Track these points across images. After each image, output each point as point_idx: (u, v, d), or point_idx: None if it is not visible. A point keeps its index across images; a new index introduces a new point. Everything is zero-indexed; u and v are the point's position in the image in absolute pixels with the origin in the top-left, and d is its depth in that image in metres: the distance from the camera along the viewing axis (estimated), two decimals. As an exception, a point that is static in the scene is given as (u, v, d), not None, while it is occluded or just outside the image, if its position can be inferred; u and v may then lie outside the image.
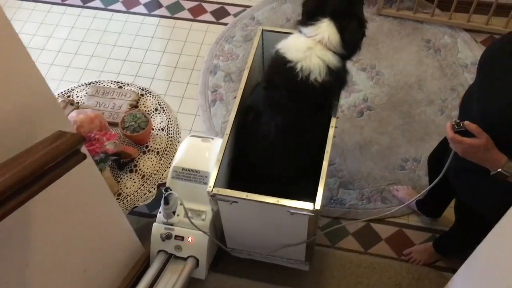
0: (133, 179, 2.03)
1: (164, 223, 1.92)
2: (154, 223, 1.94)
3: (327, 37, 1.71)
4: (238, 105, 1.88)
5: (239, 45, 3.12)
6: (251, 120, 1.84)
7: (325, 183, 1.70)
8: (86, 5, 3.37)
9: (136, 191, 2.01)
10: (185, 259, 1.94)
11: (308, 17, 1.78)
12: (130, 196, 1.99)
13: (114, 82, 2.32)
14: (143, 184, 2.02)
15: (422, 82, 2.91)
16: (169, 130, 2.18)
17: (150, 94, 2.28)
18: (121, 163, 2.04)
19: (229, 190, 1.69)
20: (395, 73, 2.95)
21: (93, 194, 1.50)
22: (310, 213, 1.63)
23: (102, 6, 3.37)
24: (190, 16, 3.29)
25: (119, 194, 1.99)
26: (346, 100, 2.84)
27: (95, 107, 2.20)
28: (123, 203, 1.98)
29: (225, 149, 1.78)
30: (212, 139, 1.99)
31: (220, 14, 3.30)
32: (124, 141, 2.11)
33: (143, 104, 2.25)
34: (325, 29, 1.72)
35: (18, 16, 3.33)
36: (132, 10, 3.33)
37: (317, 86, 1.71)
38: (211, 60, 3.06)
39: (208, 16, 3.29)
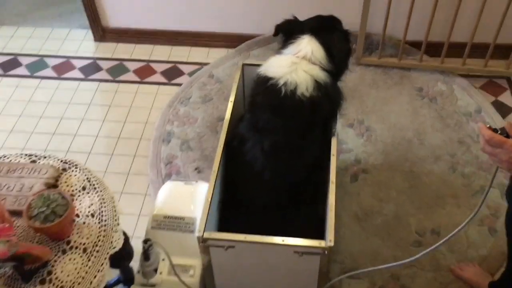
0: (46, 295, 1.34)
1: (144, 285, 1.61)
2: (132, 287, 1.62)
3: (310, 52, 1.63)
4: (224, 139, 1.70)
5: (197, 107, 2.56)
6: (235, 147, 1.67)
7: (335, 216, 1.45)
8: (8, 73, 2.78)
9: (50, 313, 1.31)
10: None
11: (287, 37, 1.71)
12: (39, 322, 1.29)
13: (26, 155, 1.68)
14: (60, 302, 1.33)
15: (422, 135, 2.40)
16: (101, 216, 1.52)
17: (75, 168, 1.65)
18: (26, 271, 1.36)
19: (223, 233, 1.46)
20: (389, 127, 2.44)
21: None
22: (321, 252, 1.41)
23: (27, 73, 2.78)
24: (136, 79, 2.74)
25: (22, 321, 1.29)
26: (334, 163, 2.29)
27: (-7, 191, 1.53)
28: (28, 334, 1.27)
29: (213, 188, 1.55)
30: (196, 182, 1.78)
31: (172, 74, 2.77)
32: (35, 238, 1.44)
33: (66, 182, 1.60)
34: (307, 44, 1.64)
35: None
36: (65, 75, 2.76)
37: (305, 101, 1.57)
38: (163, 126, 2.47)
39: (158, 77, 2.75)
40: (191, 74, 2.75)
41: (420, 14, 2.59)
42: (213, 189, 1.54)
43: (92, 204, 1.55)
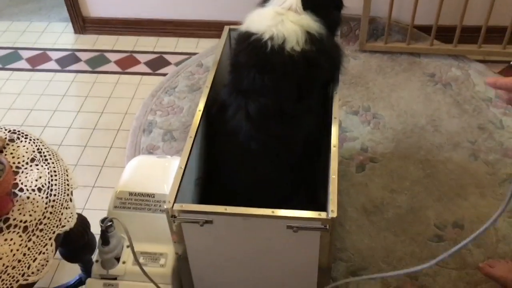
0: (-31, 282, 1.04)
1: (104, 277, 1.30)
2: (88, 280, 1.32)
3: (295, 3, 1.39)
4: (204, 103, 1.41)
5: (183, 96, 2.30)
6: (214, 114, 1.42)
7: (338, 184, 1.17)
8: (-22, 66, 2.55)
9: (-29, 304, 1.01)
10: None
11: None
12: (-45, 316, 0.99)
13: (-32, 125, 1.41)
14: (-14, 290, 1.03)
15: (437, 122, 2.12)
16: (50, 191, 1.23)
17: (25, 138, 1.37)
18: None
19: (198, 205, 1.17)
20: (398, 114, 2.16)
21: None
22: (321, 226, 1.11)
23: (-1, 65, 2.55)
24: (117, 69, 2.49)
25: None
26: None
27: None
28: None
29: (189, 155, 1.25)
30: (171, 156, 1.55)
31: (157, 64, 2.52)
32: (-36, 214, 1.15)
33: (12, 153, 1.32)
34: None
35: None
36: (39, 67, 2.52)
37: (297, 57, 1.33)
38: (144, 116, 2.20)
39: (141, 67, 2.50)
40: (178, 64, 2.50)
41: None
42: (188, 156, 1.25)
43: (40, 177, 1.27)
